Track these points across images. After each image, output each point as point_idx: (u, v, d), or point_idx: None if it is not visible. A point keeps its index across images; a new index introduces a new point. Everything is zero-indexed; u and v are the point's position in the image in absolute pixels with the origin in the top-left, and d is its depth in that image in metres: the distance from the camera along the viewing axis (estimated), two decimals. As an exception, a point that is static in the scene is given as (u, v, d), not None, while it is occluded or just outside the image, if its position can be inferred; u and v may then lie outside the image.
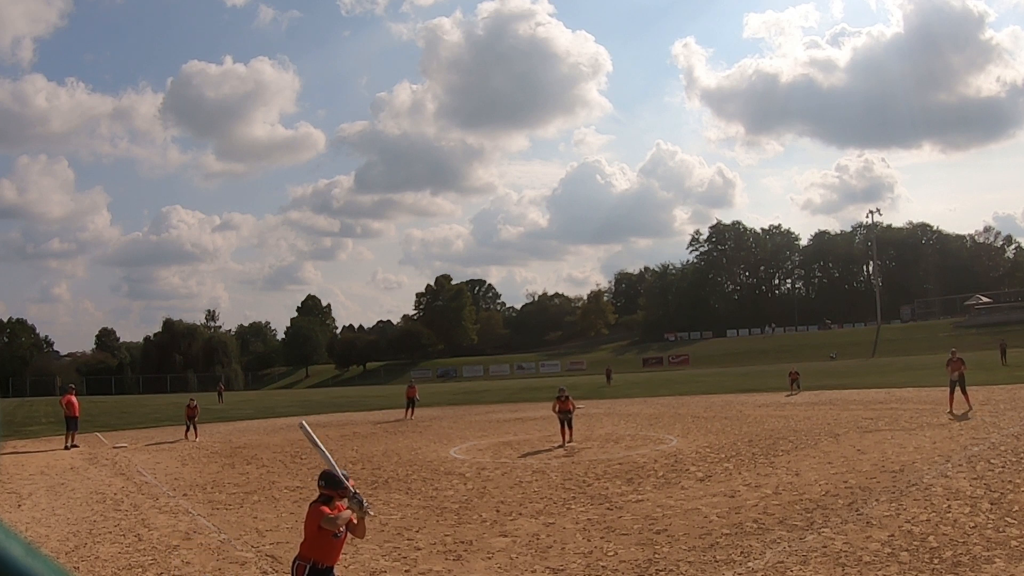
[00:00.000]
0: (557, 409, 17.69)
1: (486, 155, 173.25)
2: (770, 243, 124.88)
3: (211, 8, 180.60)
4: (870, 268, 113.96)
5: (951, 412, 18.74)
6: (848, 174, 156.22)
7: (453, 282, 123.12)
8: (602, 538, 8.45)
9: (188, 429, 22.96)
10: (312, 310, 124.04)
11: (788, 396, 28.75)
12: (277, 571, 7.83)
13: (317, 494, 5.29)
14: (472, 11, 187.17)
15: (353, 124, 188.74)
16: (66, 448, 20.85)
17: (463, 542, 8.60)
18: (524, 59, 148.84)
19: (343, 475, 5.14)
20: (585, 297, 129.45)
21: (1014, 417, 17.36)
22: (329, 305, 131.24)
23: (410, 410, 27.84)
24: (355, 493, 5.03)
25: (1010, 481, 10.03)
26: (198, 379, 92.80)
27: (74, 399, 21.94)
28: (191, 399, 24.63)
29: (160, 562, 8.30)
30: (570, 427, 17.74)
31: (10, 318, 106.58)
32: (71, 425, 21.31)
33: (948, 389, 19.69)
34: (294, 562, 5.13)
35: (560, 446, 16.96)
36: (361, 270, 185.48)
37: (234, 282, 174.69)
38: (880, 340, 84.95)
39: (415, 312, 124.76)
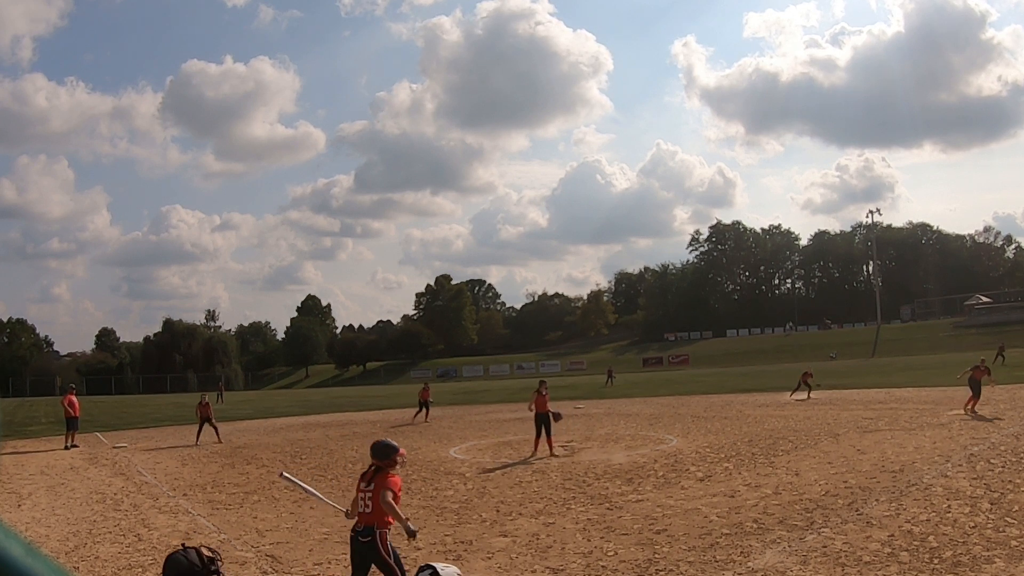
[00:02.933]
0: (533, 408, 15.61)
1: (486, 155, 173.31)
2: (770, 243, 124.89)
3: (211, 8, 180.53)
4: (870, 268, 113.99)
5: (969, 412, 18.39)
6: (848, 174, 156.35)
7: (453, 282, 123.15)
8: (602, 538, 8.45)
9: (201, 431, 21.29)
10: (312, 310, 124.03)
11: (795, 397, 27.16)
12: (277, 571, 7.84)
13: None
14: (472, 10, 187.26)
15: (353, 124, 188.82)
16: (66, 448, 20.86)
17: (463, 542, 8.61)
18: (524, 58, 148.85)
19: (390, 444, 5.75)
20: (585, 297, 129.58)
21: (1014, 417, 17.36)
22: (329, 305, 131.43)
23: (424, 411, 26.53)
24: (413, 529, 5.52)
25: (1010, 481, 10.04)
26: (198, 379, 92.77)
27: (75, 399, 21.95)
28: (203, 396, 22.94)
29: (160, 562, 8.27)
30: (548, 432, 15.41)
31: (10, 318, 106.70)
32: (71, 425, 21.33)
33: (971, 391, 18.85)
34: (373, 531, 5.50)
35: (541, 456, 15.03)
36: (361, 270, 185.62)
37: (234, 282, 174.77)
38: (880, 340, 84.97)
39: (415, 312, 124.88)
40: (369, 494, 5.57)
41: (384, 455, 5.67)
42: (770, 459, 13.36)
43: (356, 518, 5.66)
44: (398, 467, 5.74)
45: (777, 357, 79.82)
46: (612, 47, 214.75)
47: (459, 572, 3.69)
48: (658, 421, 21.88)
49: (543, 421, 15.51)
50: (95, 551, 8.91)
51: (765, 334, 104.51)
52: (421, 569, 3.62)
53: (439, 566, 3.64)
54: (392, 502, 5.39)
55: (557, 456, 15.21)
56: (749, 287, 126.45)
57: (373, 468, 5.71)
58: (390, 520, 5.51)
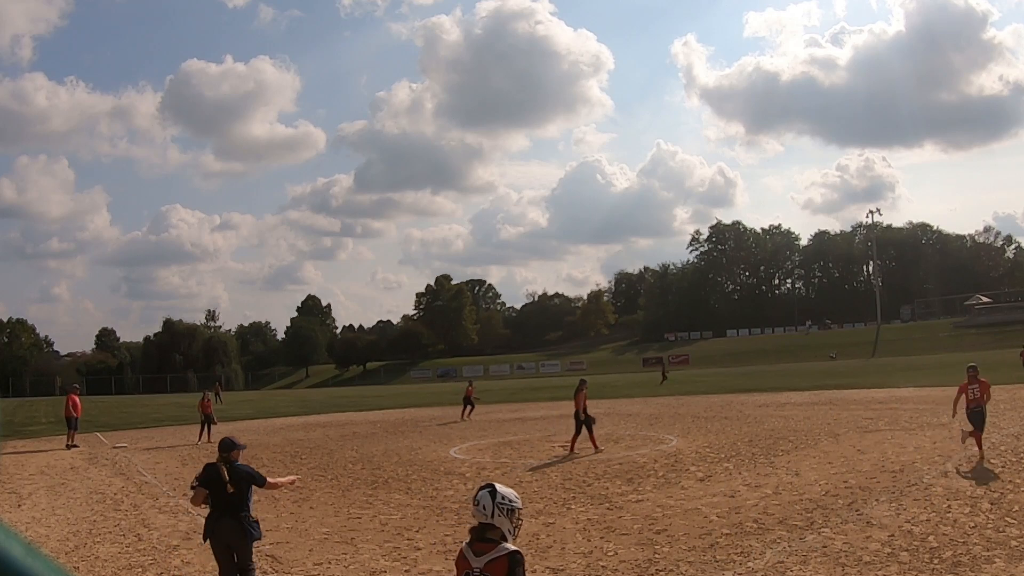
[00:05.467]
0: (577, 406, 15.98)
1: (486, 154, 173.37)
2: (770, 243, 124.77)
3: (211, 8, 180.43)
4: (870, 268, 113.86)
5: None
6: (849, 173, 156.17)
7: (453, 282, 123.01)
8: (602, 538, 8.45)
9: (204, 429, 21.72)
10: (312, 310, 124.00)
11: None
12: (277, 571, 7.84)
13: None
14: (471, 9, 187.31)
15: (353, 124, 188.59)
16: (67, 448, 20.84)
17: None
18: (524, 57, 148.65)
19: None
20: (585, 297, 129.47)
21: (1014, 417, 17.38)
22: (329, 305, 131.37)
23: (469, 409, 26.28)
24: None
25: (1010, 481, 10.05)
26: (198, 379, 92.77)
27: (76, 399, 21.81)
28: (205, 393, 23.68)
29: (160, 562, 8.31)
30: (577, 431, 15.96)
31: (10, 318, 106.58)
32: (71, 425, 21.28)
33: None
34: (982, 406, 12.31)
35: (596, 451, 15.60)
36: (361, 270, 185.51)
37: (234, 282, 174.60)
38: (880, 340, 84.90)
39: (415, 312, 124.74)
40: (977, 388, 12.21)
41: (976, 370, 12.31)
42: (770, 459, 13.36)
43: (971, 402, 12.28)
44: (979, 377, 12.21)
45: (777, 357, 79.76)
46: (612, 46, 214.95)
47: (516, 495, 3.77)
48: (658, 421, 21.88)
49: (582, 419, 15.92)
50: (95, 551, 8.91)
51: (765, 334, 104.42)
52: (482, 488, 3.73)
53: (499, 486, 3.72)
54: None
55: (576, 454, 15.46)
56: (749, 287, 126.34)
57: (972, 376, 12.29)
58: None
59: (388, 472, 14.46)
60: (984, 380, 12.33)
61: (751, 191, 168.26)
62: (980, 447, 12.23)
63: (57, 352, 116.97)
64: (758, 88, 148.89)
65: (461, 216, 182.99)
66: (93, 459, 18.72)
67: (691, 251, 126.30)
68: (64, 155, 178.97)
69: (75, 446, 21.08)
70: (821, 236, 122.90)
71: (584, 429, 15.93)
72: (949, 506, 8.85)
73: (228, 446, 6.43)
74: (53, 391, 74.71)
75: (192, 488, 6.40)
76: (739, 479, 11.61)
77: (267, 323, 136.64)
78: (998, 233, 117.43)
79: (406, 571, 7.60)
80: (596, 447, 15.89)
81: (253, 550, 6.38)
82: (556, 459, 15.07)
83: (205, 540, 6.31)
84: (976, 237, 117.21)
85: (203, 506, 6.35)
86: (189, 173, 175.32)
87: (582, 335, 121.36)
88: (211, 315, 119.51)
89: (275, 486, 6.74)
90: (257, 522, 6.32)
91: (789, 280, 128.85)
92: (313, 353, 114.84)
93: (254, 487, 6.32)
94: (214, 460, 6.45)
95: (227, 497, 6.14)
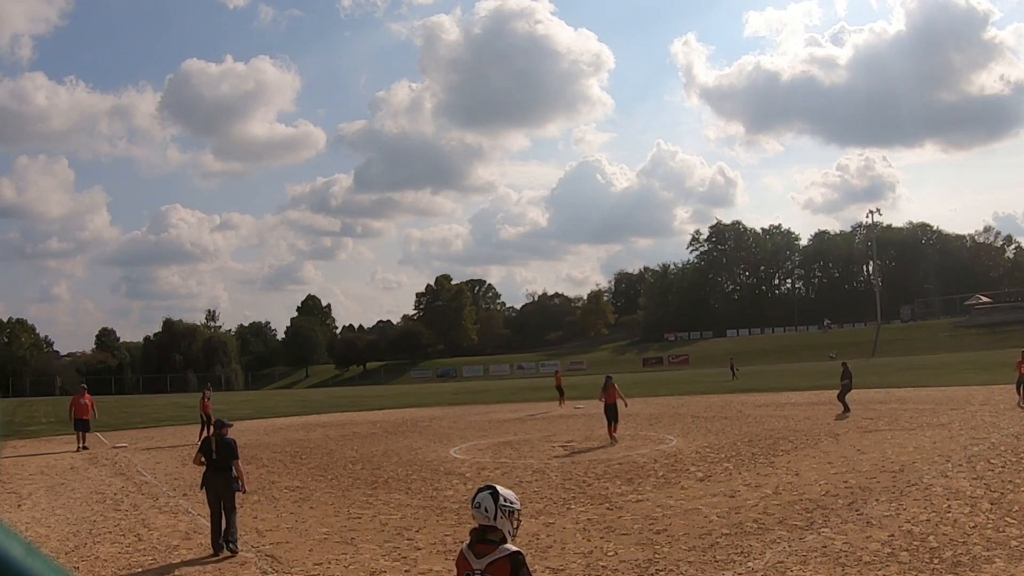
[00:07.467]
0: (603, 400, 17.60)
1: (486, 154, 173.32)
2: (770, 243, 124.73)
3: (211, 8, 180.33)
4: (870, 268, 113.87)
5: None
6: (849, 173, 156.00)
7: (453, 282, 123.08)
8: (602, 538, 8.45)
9: (204, 430, 21.15)
10: (312, 310, 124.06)
11: None
12: (277, 571, 7.84)
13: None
14: (471, 9, 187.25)
15: (352, 123, 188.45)
16: (85, 449, 20.65)
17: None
18: (524, 57, 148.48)
19: None
20: (585, 297, 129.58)
21: (1014, 417, 17.37)
22: (329, 305, 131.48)
23: (562, 399, 29.48)
24: None
25: (1010, 481, 10.05)
26: (198, 379, 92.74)
27: (82, 401, 21.28)
28: (205, 393, 23.04)
29: (160, 562, 8.31)
30: (615, 422, 17.31)
31: (10, 318, 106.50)
32: (78, 426, 21.07)
33: None
34: None
35: (612, 442, 16.88)
36: (361, 270, 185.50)
37: (234, 282, 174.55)
38: (880, 340, 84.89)
39: (415, 312, 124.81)
40: None
41: None
42: (770, 459, 13.36)
43: None
44: None
45: (777, 357, 79.76)
46: (612, 46, 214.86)
47: (515, 496, 3.77)
48: (658, 421, 21.87)
49: (612, 412, 17.24)
50: (95, 551, 8.91)
51: (765, 334, 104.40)
52: (482, 489, 3.72)
53: (499, 487, 3.72)
54: None
55: (617, 441, 16.75)
56: (749, 287, 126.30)
57: None
58: None
59: (388, 472, 14.46)
60: None
61: (751, 191, 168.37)
62: None
63: (57, 352, 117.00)
64: (758, 88, 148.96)
65: (461, 216, 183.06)
66: (93, 459, 18.71)
67: (691, 251, 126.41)
68: (64, 155, 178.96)
69: (83, 448, 20.82)
70: (821, 236, 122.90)
71: (607, 419, 17.33)
72: (949, 506, 8.85)
73: (220, 425, 9.17)
74: (53, 391, 74.76)
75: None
76: (739, 479, 11.61)
77: (267, 323, 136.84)
78: (998, 233, 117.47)
79: (406, 571, 7.60)
80: (613, 437, 17.07)
81: (237, 503, 8.77)
82: (556, 459, 15.06)
83: (201, 489, 8.93)
84: (976, 237, 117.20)
85: (201, 464, 8.93)
86: (189, 173, 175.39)
87: (582, 335, 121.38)
88: (211, 315, 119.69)
89: (237, 466, 8.84)
90: (237, 478, 8.79)
91: (789, 280, 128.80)
92: (313, 353, 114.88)
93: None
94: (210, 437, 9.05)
95: (215, 461, 8.79)
